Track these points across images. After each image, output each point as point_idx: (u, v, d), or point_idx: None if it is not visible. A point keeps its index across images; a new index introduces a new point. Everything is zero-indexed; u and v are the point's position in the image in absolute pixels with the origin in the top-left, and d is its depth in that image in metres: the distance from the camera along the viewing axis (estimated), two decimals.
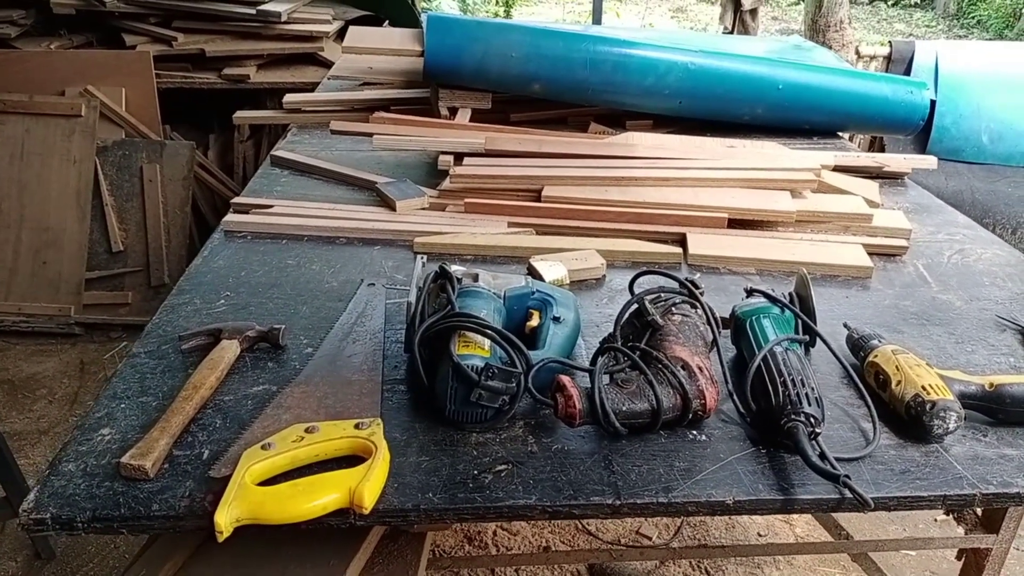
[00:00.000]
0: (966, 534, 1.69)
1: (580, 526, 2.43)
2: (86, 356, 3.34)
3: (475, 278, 1.26)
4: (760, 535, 2.40)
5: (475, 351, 1.07)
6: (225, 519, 0.86)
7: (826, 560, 2.33)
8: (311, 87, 3.02)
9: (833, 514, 1.81)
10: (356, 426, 1.01)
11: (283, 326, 1.26)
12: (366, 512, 0.90)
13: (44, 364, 3.28)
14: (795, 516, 2.49)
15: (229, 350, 1.21)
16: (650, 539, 2.40)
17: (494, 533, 2.41)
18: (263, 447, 0.97)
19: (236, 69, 3.64)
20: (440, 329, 1.11)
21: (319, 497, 0.90)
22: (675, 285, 1.18)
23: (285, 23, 3.67)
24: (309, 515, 0.89)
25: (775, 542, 1.86)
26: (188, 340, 1.24)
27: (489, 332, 1.09)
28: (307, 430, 1.01)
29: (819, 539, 1.82)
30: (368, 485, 0.91)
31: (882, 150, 3.94)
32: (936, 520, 2.48)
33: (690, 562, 2.30)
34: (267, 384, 1.16)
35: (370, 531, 1.17)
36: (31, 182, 3.41)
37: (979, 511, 1.39)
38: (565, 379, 1.04)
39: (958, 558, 1.58)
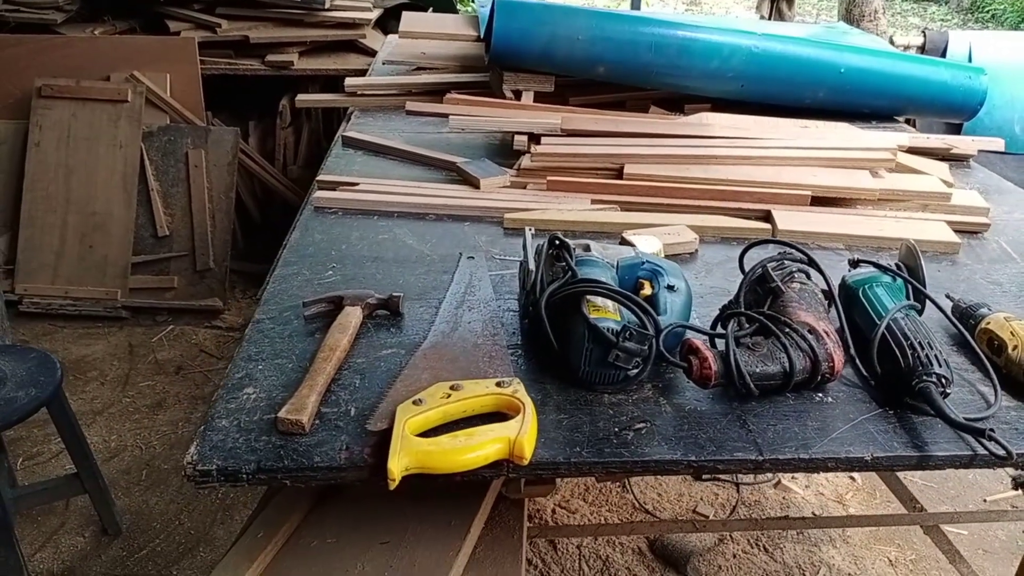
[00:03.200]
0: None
1: (638, 504, 2.47)
2: (134, 339, 3.37)
3: (586, 248, 1.29)
4: (815, 515, 2.43)
5: (607, 315, 1.10)
6: (397, 467, 0.89)
7: (881, 539, 2.36)
8: (353, 73, 3.04)
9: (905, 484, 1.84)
10: (498, 384, 1.04)
11: (401, 294, 1.29)
12: (525, 463, 0.93)
13: (93, 347, 3.32)
14: (848, 496, 2.53)
15: (354, 315, 1.24)
16: (706, 517, 2.43)
17: (552, 511, 2.45)
18: (414, 403, 1.01)
19: (279, 56, 3.67)
20: (566, 295, 1.14)
21: (482, 448, 0.93)
22: (794, 254, 1.21)
23: (328, 10, 3.69)
24: (472, 464, 0.92)
25: (854, 514, 1.89)
26: (311, 306, 1.27)
27: (618, 297, 1.12)
28: (452, 387, 1.04)
29: (891, 512, 1.85)
30: (526, 437, 0.94)
31: None
32: (985, 500, 2.51)
33: (748, 540, 2.34)
34: (395, 348, 1.19)
35: (486, 494, 1.21)
36: (78, 167, 3.44)
37: None
38: (697, 342, 1.07)
39: None
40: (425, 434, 0.98)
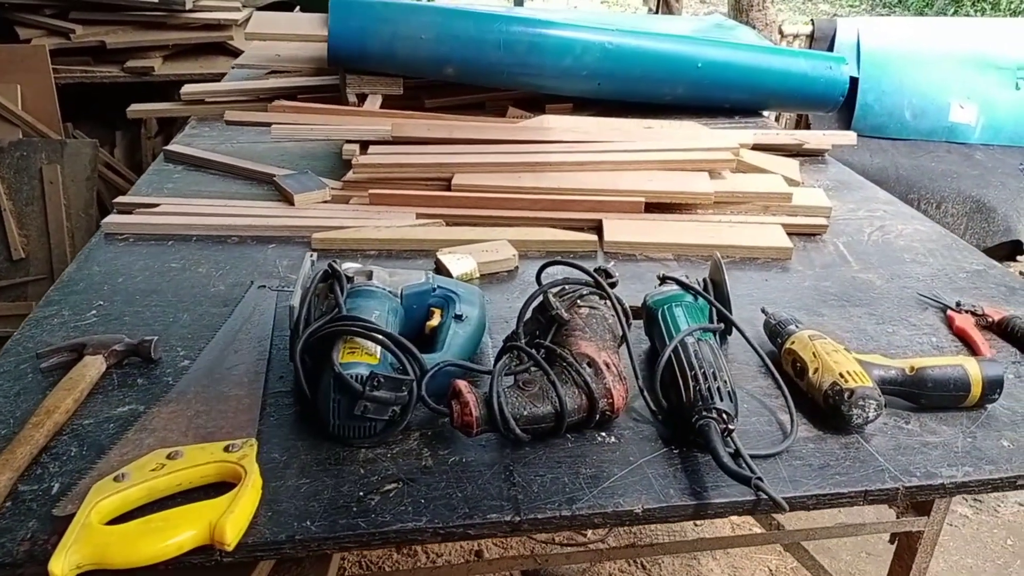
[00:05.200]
0: (898, 517, 1.66)
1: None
2: None
3: (369, 276, 1.16)
4: (696, 525, 2.36)
5: (361, 358, 0.97)
6: (62, 567, 0.75)
7: (761, 548, 2.29)
8: (220, 78, 2.86)
9: None
10: (226, 448, 0.91)
11: (155, 338, 1.14)
12: (229, 548, 0.80)
13: None
14: None
15: (92, 367, 1.08)
16: (585, 536, 2.33)
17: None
18: (116, 479, 0.86)
19: (140, 61, 3.45)
20: (325, 334, 1.01)
21: (174, 535, 0.79)
22: (579, 276, 1.10)
23: (190, 11, 3.48)
24: (162, 556, 0.78)
25: (706, 536, 1.81)
26: (47, 357, 1.11)
27: (377, 336, 0.99)
28: (169, 456, 0.90)
29: (750, 531, 1.77)
30: (232, 517, 0.80)
31: (807, 128, 3.95)
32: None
33: (625, 558, 2.25)
34: (134, 404, 1.04)
35: (257, 562, 1.07)
36: None
37: None
38: (462, 384, 0.95)
39: (891, 542, 1.55)
40: (126, 517, 0.84)
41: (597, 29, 2.19)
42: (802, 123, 4.09)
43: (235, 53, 3.61)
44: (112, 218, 1.57)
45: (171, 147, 1.95)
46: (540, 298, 1.06)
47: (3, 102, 3.29)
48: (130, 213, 1.60)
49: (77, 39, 3.43)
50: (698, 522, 2.33)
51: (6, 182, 3.24)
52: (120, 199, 1.65)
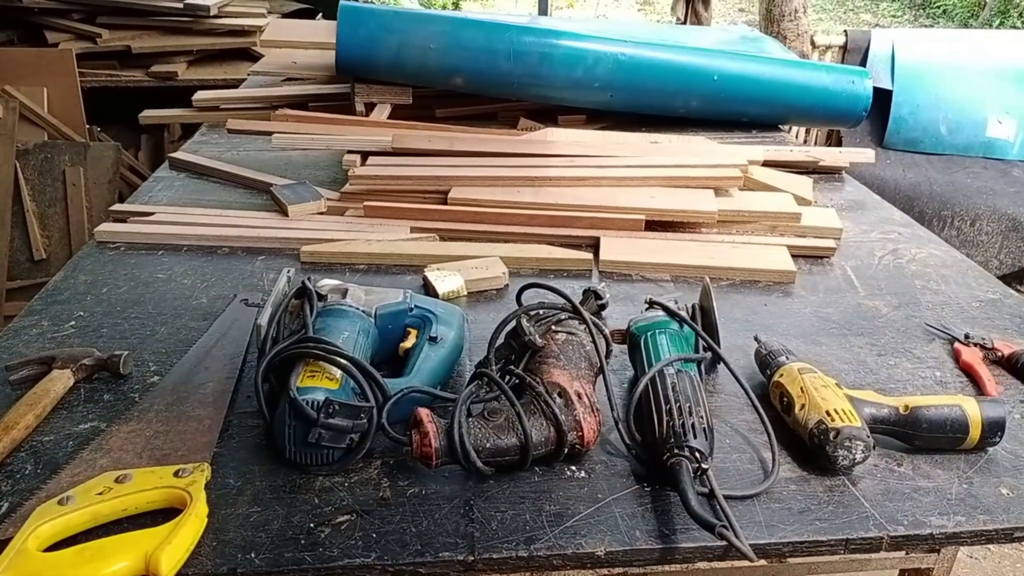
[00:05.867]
0: (907, 554, 1.59)
1: None
2: None
3: (343, 294, 1.12)
4: None
5: (320, 383, 0.94)
6: None
7: None
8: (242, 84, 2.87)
9: None
10: (176, 473, 0.88)
11: (125, 352, 1.11)
12: None
13: None
14: None
15: (59, 381, 1.06)
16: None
17: None
18: (60, 502, 0.84)
19: (164, 66, 3.48)
20: (287, 357, 0.98)
21: (107, 565, 0.76)
22: (555, 300, 1.05)
23: (215, 17, 3.51)
24: None
25: (702, 567, 1.75)
26: (16, 370, 1.09)
27: (338, 359, 0.96)
28: (117, 479, 0.87)
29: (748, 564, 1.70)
30: (169, 548, 0.77)
31: (839, 143, 3.85)
32: None
33: None
34: (96, 421, 1.02)
35: None
36: None
37: None
38: (423, 413, 0.91)
39: None
40: (67, 542, 0.81)
41: (610, 40, 2.15)
42: (833, 138, 4.00)
43: (259, 59, 3.62)
44: (105, 226, 1.56)
45: (176, 154, 1.95)
46: (513, 322, 1.01)
47: (29, 104, 3.34)
48: (124, 221, 1.59)
49: (103, 43, 3.48)
50: None
51: (30, 183, 3.28)
52: (116, 206, 1.64)
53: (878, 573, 2.18)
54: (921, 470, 0.96)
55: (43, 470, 0.93)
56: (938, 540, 0.88)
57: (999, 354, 1.18)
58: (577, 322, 1.05)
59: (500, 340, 1.02)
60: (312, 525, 0.86)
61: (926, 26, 11.22)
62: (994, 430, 0.97)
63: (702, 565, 1.82)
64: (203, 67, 3.60)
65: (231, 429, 1.01)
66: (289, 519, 0.87)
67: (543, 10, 4.27)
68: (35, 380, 1.08)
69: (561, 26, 2.31)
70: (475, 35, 2.10)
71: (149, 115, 2.50)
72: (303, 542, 0.84)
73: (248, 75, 2.68)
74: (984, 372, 1.13)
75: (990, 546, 2.39)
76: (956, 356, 1.19)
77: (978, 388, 1.12)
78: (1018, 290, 3.75)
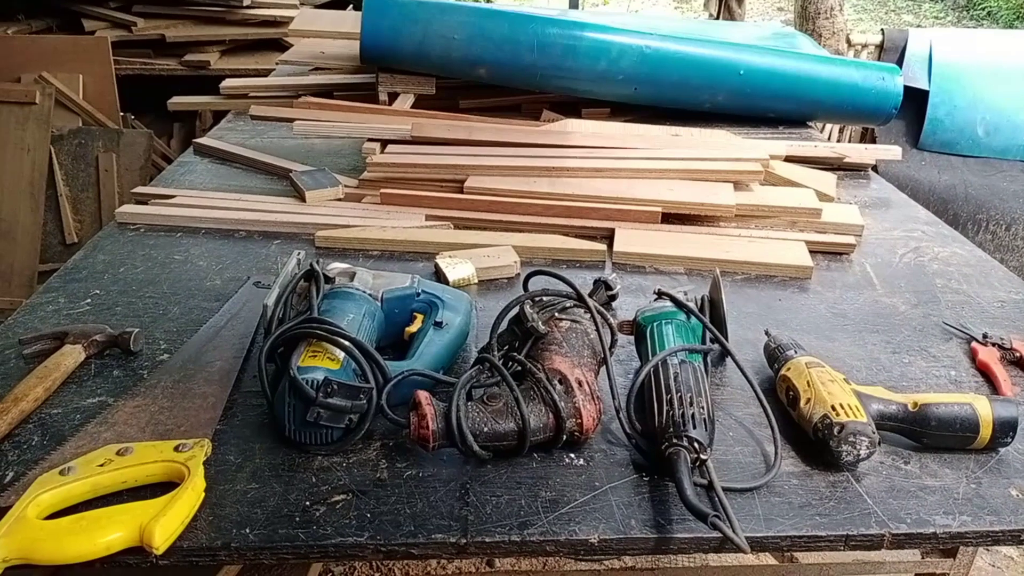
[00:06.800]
0: (923, 558, 1.56)
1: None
2: None
3: (351, 277, 1.13)
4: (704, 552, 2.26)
5: (322, 362, 0.94)
6: None
7: None
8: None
9: None
10: (176, 448, 0.89)
11: (136, 330, 1.13)
12: (158, 552, 0.77)
13: None
14: None
15: (70, 356, 1.08)
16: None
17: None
18: (61, 472, 0.85)
19: (197, 55, 3.52)
20: (291, 337, 0.98)
21: (102, 535, 0.77)
22: (560, 288, 1.04)
23: (248, 7, 3.54)
24: (89, 555, 0.76)
25: (711, 565, 1.73)
26: (30, 344, 1.12)
27: (339, 340, 0.96)
28: (119, 452, 0.88)
29: (763, 562, 1.68)
30: (163, 520, 0.78)
31: (873, 141, 3.79)
32: None
33: None
34: (104, 396, 1.03)
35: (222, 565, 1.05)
36: None
37: None
38: (422, 396, 0.91)
39: None
40: (63, 513, 0.82)
41: (636, 33, 2.13)
42: (867, 138, 3.93)
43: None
44: (126, 208, 1.58)
45: (201, 140, 1.97)
46: (516, 308, 1.01)
47: (65, 91, 3.39)
48: (146, 203, 1.62)
49: (138, 31, 3.53)
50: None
51: (64, 168, 3.34)
52: (138, 189, 1.67)
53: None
54: (928, 468, 0.94)
55: (49, 441, 0.95)
56: (941, 539, 0.86)
57: (1017, 354, 1.15)
58: (582, 311, 1.05)
59: (503, 326, 1.02)
60: (308, 503, 0.86)
61: (969, 28, 10.99)
62: (1006, 430, 0.94)
63: (713, 562, 1.81)
64: (236, 57, 3.64)
65: (235, 407, 1.02)
66: (286, 496, 0.87)
67: (574, 4, 4.25)
68: (48, 354, 1.10)
69: (586, 18, 2.30)
70: (499, 26, 2.09)
71: (178, 101, 2.53)
72: (298, 519, 0.84)
73: (277, 64, 2.70)
74: (1000, 372, 1.11)
75: (1014, 556, 2.34)
76: (973, 355, 1.16)
77: (993, 388, 1.10)
78: None
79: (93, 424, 0.97)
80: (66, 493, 0.83)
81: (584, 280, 1.20)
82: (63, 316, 1.22)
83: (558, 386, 0.94)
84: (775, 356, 1.08)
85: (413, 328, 1.12)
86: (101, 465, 0.86)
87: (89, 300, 1.27)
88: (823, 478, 0.92)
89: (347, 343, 0.96)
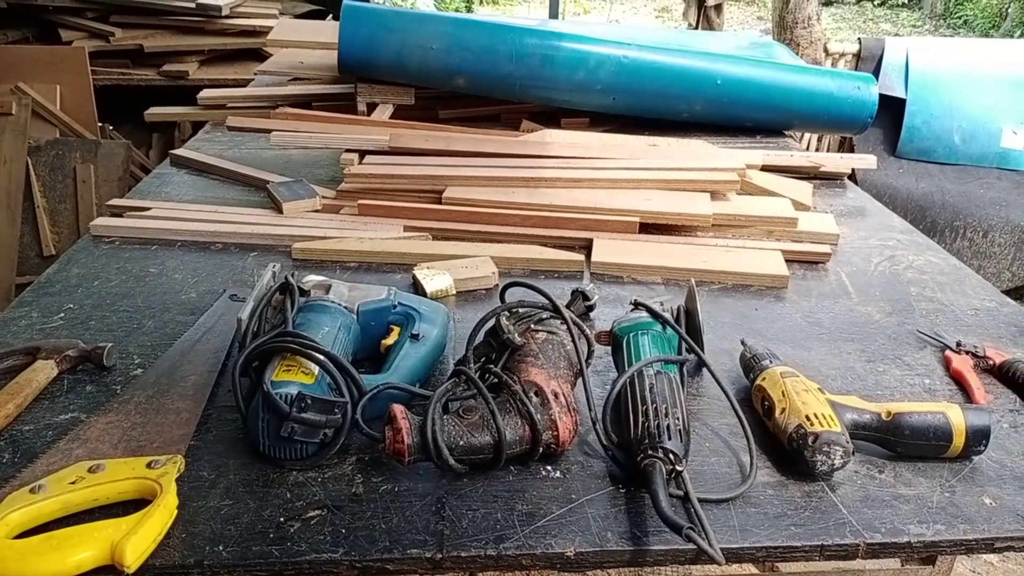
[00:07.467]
0: (902, 565, 1.57)
1: None
2: None
3: (327, 290, 1.12)
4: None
5: (296, 377, 0.94)
6: None
7: None
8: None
9: None
10: (149, 464, 0.88)
11: (109, 344, 1.12)
12: (129, 571, 0.76)
13: None
14: None
15: (42, 372, 1.07)
16: None
17: None
18: (32, 490, 0.84)
19: (176, 65, 3.51)
20: (265, 351, 0.98)
21: (72, 554, 0.76)
22: (536, 299, 1.04)
23: (226, 17, 3.53)
24: (60, 575, 0.75)
25: (694, 574, 1.74)
26: (2, 360, 1.10)
27: (313, 354, 0.95)
28: (90, 469, 0.87)
29: (745, 571, 1.69)
30: (135, 539, 0.77)
31: (852, 150, 3.83)
32: None
33: None
34: (77, 412, 1.02)
35: None
36: None
37: None
38: (398, 409, 0.91)
39: None
40: (33, 532, 0.81)
41: (613, 43, 2.14)
42: (846, 145, 3.97)
43: None
44: (101, 220, 1.57)
45: (177, 151, 1.96)
46: (492, 320, 1.01)
47: (42, 101, 3.37)
48: (121, 216, 1.60)
49: (116, 42, 3.51)
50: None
51: (41, 180, 3.32)
52: (113, 201, 1.66)
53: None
54: (903, 478, 0.95)
55: (20, 459, 0.94)
56: (915, 548, 0.86)
57: (990, 362, 1.16)
58: (559, 322, 1.05)
59: (480, 338, 1.02)
60: (282, 519, 0.86)
61: (946, 36, 11.13)
62: (978, 438, 0.95)
63: (696, 573, 1.81)
64: (214, 67, 3.63)
65: (209, 423, 1.01)
66: (260, 513, 0.87)
67: (554, 14, 4.27)
68: (20, 370, 1.08)
69: (565, 28, 2.31)
70: (477, 36, 2.10)
71: (155, 112, 2.51)
72: (272, 536, 0.84)
73: (255, 74, 2.69)
74: (974, 380, 1.12)
75: (993, 561, 2.36)
76: (947, 364, 1.18)
77: (967, 396, 1.11)
78: None
79: (65, 441, 0.95)
80: (36, 512, 0.82)
81: (562, 290, 1.20)
82: (36, 331, 1.21)
83: (534, 398, 0.94)
84: (750, 366, 1.08)
85: (389, 341, 1.11)
86: (72, 483, 0.85)
87: (62, 314, 1.26)
88: (798, 488, 0.93)
89: (321, 357, 0.95)
